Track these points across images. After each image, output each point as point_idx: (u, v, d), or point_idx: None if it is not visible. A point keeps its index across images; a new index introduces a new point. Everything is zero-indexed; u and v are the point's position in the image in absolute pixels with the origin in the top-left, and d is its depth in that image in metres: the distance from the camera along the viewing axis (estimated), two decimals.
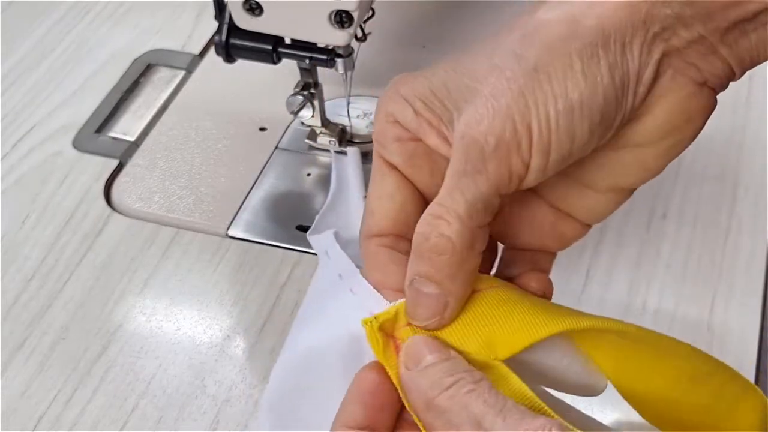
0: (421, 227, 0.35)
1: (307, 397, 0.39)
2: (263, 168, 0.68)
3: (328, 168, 0.68)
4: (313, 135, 0.68)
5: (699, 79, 0.36)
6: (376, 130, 0.39)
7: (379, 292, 0.38)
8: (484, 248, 0.36)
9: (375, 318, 0.36)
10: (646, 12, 0.34)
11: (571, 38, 0.34)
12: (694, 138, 0.37)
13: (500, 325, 0.35)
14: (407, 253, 0.37)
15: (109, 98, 0.75)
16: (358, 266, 0.39)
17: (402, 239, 0.38)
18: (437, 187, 0.36)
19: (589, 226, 0.41)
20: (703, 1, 0.33)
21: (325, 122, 0.67)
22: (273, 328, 0.57)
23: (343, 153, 0.63)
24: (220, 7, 0.59)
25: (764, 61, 0.36)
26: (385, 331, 0.36)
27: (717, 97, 0.37)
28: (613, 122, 0.35)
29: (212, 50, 0.71)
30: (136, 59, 0.78)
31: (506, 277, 0.40)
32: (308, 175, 0.68)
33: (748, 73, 0.37)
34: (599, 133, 0.35)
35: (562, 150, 0.35)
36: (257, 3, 0.56)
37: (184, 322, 0.58)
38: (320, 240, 0.42)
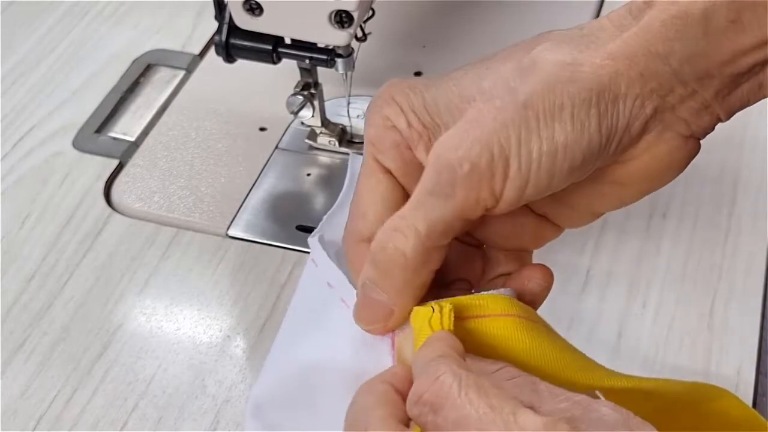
0: (379, 235, 0.36)
1: (302, 410, 0.38)
2: (263, 168, 0.68)
3: (328, 168, 0.68)
4: (313, 135, 0.68)
5: (686, 133, 0.36)
6: (371, 133, 0.39)
7: None
8: (438, 267, 0.36)
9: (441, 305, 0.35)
10: (644, 66, 0.34)
11: (566, 82, 0.34)
12: (672, 179, 0.38)
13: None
14: None
15: (109, 98, 0.75)
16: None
17: None
18: None
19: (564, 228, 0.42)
20: (702, 60, 0.34)
21: (325, 122, 0.67)
22: (273, 328, 0.57)
23: (360, 153, 0.63)
24: (220, 7, 0.60)
25: (752, 105, 0.36)
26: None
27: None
28: (593, 166, 0.36)
29: (212, 50, 0.71)
30: (136, 59, 0.78)
31: (499, 275, 0.40)
32: (308, 175, 0.68)
33: None
34: (578, 174, 0.36)
35: (539, 186, 0.35)
36: (257, 3, 0.56)
37: (184, 322, 0.58)
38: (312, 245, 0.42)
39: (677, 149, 0.36)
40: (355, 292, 0.38)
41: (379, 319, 0.36)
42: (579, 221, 0.41)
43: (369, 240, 0.38)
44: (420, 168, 0.38)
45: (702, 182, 0.64)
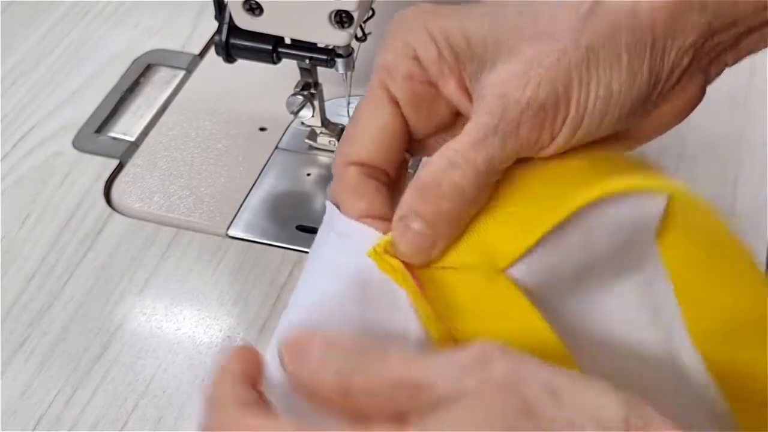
0: (434, 169, 0.35)
1: None
2: (263, 168, 0.68)
3: (328, 168, 0.68)
4: (313, 135, 0.68)
5: (703, 84, 0.37)
6: (388, 59, 0.38)
7: (361, 220, 0.37)
8: (485, 205, 0.36)
9: (379, 245, 0.35)
10: (686, 19, 0.35)
11: (626, 31, 0.35)
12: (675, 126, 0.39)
13: (492, 221, 0.36)
14: (386, 184, 0.38)
15: (109, 98, 0.75)
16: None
17: (381, 171, 0.38)
18: (429, 130, 0.37)
19: None
20: (731, 9, 0.35)
21: (325, 122, 0.67)
22: (273, 328, 0.57)
23: None
24: (220, 7, 0.59)
25: (756, 51, 0.37)
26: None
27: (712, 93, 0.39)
28: (636, 116, 0.36)
29: (212, 50, 0.71)
30: (136, 59, 0.78)
31: None
32: (308, 175, 0.68)
33: (748, 71, 0.37)
34: (620, 124, 0.36)
35: (589, 129, 0.36)
36: (257, 3, 0.56)
37: (184, 322, 0.58)
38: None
39: (694, 98, 0.37)
40: (346, 219, 0.37)
41: (424, 250, 0.35)
42: None
43: (358, 164, 0.38)
44: (432, 102, 0.38)
45: (702, 182, 0.64)
